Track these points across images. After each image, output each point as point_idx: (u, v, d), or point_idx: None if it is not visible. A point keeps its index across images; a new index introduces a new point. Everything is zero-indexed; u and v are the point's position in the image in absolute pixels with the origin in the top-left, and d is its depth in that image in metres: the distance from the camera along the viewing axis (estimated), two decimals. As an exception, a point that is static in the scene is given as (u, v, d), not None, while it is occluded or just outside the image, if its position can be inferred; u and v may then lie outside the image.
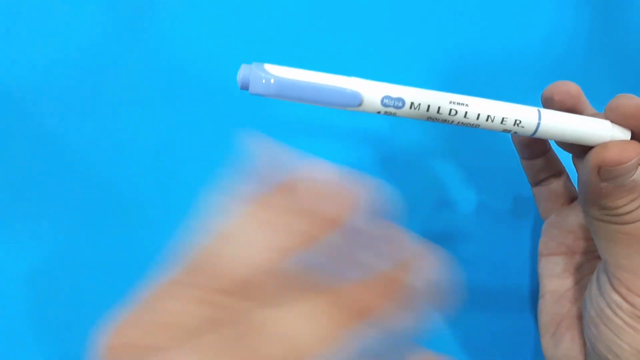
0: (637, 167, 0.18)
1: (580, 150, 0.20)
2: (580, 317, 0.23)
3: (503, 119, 0.18)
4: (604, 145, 0.18)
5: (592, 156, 0.19)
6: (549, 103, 0.21)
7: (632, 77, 0.31)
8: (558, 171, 0.25)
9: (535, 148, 0.25)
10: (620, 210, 0.19)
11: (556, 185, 0.25)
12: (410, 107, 0.18)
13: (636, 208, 0.19)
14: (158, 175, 0.29)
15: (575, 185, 0.26)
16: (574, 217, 0.25)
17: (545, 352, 0.24)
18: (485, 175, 0.30)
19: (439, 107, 0.18)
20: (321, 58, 0.30)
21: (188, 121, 0.29)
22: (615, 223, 0.19)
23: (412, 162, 0.30)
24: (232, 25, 0.30)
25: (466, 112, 0.18)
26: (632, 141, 0.18)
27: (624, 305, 0.19)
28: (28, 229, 0.29)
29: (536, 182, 0.26)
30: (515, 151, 0.28)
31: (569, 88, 0.21)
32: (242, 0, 0.30)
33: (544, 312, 0.25)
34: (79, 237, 0.28)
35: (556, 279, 0.25)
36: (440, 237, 0.30)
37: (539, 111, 0.19)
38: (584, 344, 0.22)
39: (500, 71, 0.30)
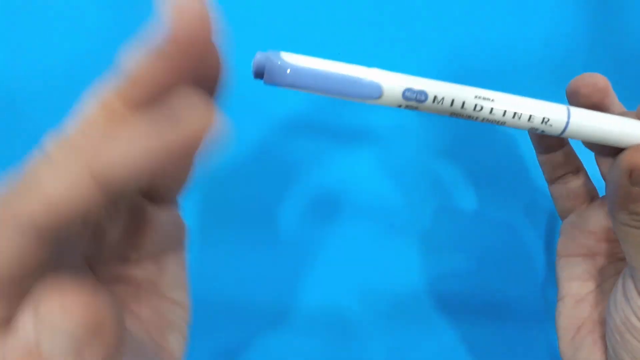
0: None
1: (606, 150, 0.19)
2: (601, 322, 0.22)
3: (530, 116, 0.17)
4: (637, 147, 0.17)
5: (624, 159, 0.18)
6: (574, 97, 0.20)
7: (632, 77, 0.30)
8: (576, 167, 0.24)
9: (551, 141, 0.24)
10: None
11: (575, 183, 0.24)
12: (433, 101, 0.17)
13: None
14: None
15: (594, 183, 0.25)
16: (596, 218, 0.23)
17: (564, 357, 0.23)
18: (494, 177, 0.30)
19: (464, 102, 0.17)
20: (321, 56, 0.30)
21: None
22: None
23: (417, 165, 0.29)
24: (232, 24, 0.29)
25: (492, 109, 0.17)
26: None
27: None
28: None
29: (553, 180, 0.25)
30: (519, 155, 0.27)
31: (596, 81, 0.20)
32: (241, 2, 0.29)
33: (563, 315, 0.24)
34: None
35: (576, 282, 0.24)
36: (447, 244, 0.29)
37: (568, 109, 0.18)
38: (605, 350, 0.21)
39: (500, 71, 0.30)
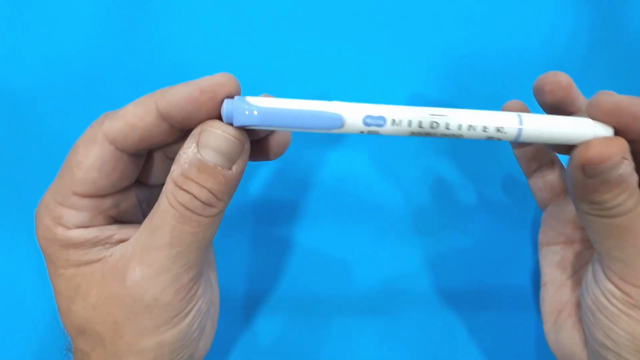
0: (622, 162, 0.18)
1: (564, 149, 0.20)
2: (580, 305, 0.23)
3: (484, 127, 0.19)
4: (587, 144, 0.19)
5: (575, 155, 0.19)
6: (540, 94, 0.22)
7: (632, 77, 0.31)
8: (550, 160, 0.26)
9: None
10: (608, 205, 0.19)
11: (551, 176, 0.26)
12: (392, 124, 0.18)
13: (624, 201, 0.19)
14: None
15: None
16: (571, 208, 0.25)
17: (548, 340, 0.24)
18: (483, 170, 0.30)
19: (420, 122, 0.18)
20: (321, 58, 0.31)
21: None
22: (605, 217, 0.19)
23: (410, 160, 0.30)
24: (231, 25, 0.31)
25: (447, 124, 0.18)
26: (614, 137, 0.18)
27: (618, 293, 0.20)
28: (28, 228, 0.29)
29: (530, 173, 0.26)
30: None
31: (559, 79, 0.21)
32: (240, 1, 0.31)
33: (545, 300, 0.25)
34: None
35: (556, 268, 0.25)
36: (441, 234, 0.30)
37: (519, 116, 0.19)
38: (584, 331, 0.23)
39: (500, 71, 0.31)
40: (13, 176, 0.29)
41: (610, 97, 0.19)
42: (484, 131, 0.19)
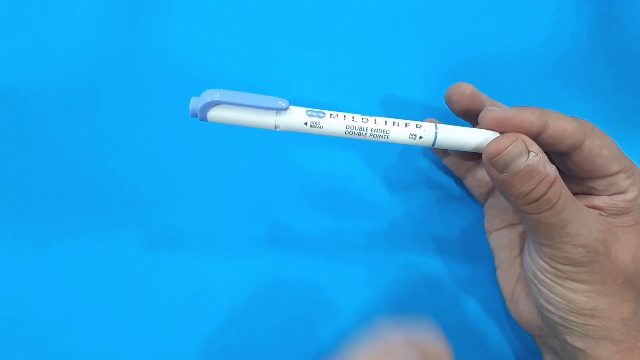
0: (525, 154, 0.21)
1: (471, 156, 0.25)
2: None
3: (410, 134, 0.23)
4: (488, 144, 0.22)
5: (483, 157, 0.22)
6: (449, 104, 0.26)
7: (633, 77, 0.32)
8: (477, 160, 0.28)
9: None
10: (529, 198, 0.21)
11: (481, 173, 0.29)
12: (330, 117, 0.22)
13: (542, 195, 0.21)
14: (158, 176, 0.30)
15: None
16: None
17: (511, 313, 0.27)
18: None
19: (353, 117, 0.22)
20: (322, 57, 0.32)
21: (188, 121, 0.28)
22: (530, 213, 0.22)
23: (406, 160, 0.31)
24: (231, 27, 0.32)
25: (375, 120, 0.22)
26: (508, 134, 0.22)
27: (550, 269, 0.23)
28: (28, 228, 0.29)
29: (463, 175, 0.29)
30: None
31: (464, 89, 0.25)
32: (241, 2, 0.32)
33: (501, 280, 0.28)
34: (77, 238, 0.29)
35: (505, 250, 0.28)
36: (441, 234, 0.31)
37: (435, 125, 0.23)
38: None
39: (501, 71, 0.32)
40: (13, 176, 0.30)
41: (490, 113, 0.23)
42: (410, 138, 0.23)
